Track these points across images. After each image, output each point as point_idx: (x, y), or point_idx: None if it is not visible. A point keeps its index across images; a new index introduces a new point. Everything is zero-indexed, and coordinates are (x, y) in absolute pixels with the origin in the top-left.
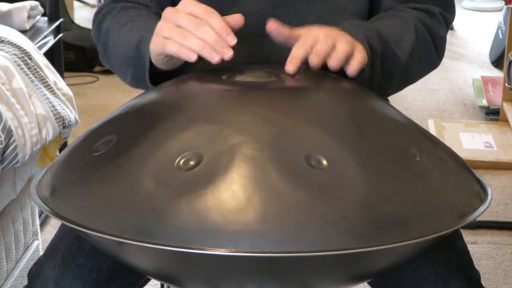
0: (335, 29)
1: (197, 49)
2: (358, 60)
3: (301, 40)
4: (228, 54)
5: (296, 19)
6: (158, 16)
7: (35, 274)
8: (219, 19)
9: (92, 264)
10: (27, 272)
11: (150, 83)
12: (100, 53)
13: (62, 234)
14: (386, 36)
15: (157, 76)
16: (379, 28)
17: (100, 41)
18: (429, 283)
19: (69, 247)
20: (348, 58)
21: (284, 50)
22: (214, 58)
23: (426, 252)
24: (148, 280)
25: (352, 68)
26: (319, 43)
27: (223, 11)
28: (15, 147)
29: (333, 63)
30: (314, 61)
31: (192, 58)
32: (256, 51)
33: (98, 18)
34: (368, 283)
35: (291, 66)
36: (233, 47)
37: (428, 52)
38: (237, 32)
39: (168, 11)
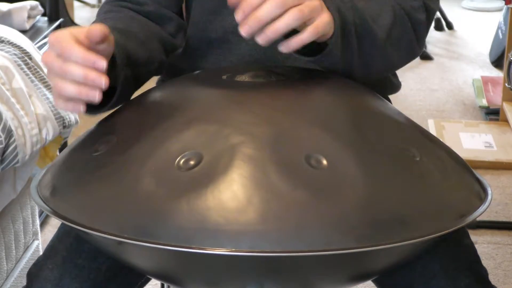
0: None
1: (75, 96)
2: (319, 25)
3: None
4: (102, 82)
5: None
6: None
7: (34, 274)
8: (79, 50)
9: (91, 265)
10: (27, 272)
11: None
12: None
13: (61, 235)
14: (362, 9)
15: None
16: (354, 2)
17: None
18: (438, 279)
19: (68, 248)
20: (306, 23)
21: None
22: (95, 98)
23: (435, 249)
24: (148, 280)
25: (310, 31)
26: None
27: (224, 13)
28: (15, 147)
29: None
30: (246, 29)
31: (80, 108)
32: (256, 52)
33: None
34: (377, 279)
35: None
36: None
37: (407, 36)
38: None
39: (43, 55)
